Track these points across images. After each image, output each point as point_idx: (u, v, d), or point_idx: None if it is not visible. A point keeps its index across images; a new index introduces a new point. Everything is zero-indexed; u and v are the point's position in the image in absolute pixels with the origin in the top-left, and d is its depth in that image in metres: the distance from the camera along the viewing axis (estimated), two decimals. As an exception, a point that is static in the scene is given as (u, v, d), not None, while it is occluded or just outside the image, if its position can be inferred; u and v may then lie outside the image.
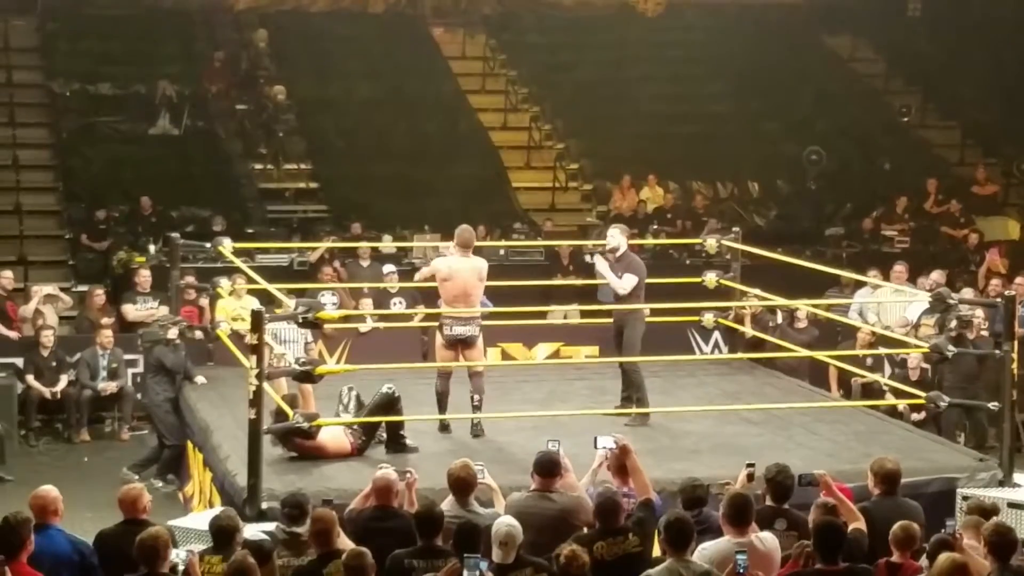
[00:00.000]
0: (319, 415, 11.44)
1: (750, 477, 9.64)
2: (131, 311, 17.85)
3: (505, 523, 8.18)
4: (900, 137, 26.21)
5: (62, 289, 18.64)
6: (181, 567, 7.96)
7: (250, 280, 15.00)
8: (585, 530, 8.88)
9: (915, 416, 15.03)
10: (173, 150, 22.91)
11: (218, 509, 9.67)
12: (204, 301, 17.01)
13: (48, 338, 16.89)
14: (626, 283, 13.11)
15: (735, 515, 8.35)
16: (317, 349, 16.23)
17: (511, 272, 17.74)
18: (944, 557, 7.43)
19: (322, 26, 25.38)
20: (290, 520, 8.87)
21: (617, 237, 13.44)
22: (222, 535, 8.40)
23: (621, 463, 9.55)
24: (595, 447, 9.79)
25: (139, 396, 16.40)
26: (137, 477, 13.62)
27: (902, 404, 14.77)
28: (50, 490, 8.71)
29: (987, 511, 8.96)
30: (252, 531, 9.02)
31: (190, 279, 16.26)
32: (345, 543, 8.46)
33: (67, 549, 8.39)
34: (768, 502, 9.22)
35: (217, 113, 24.10)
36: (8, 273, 18.08)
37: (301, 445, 11.60)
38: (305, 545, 8.54)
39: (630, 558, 8.52)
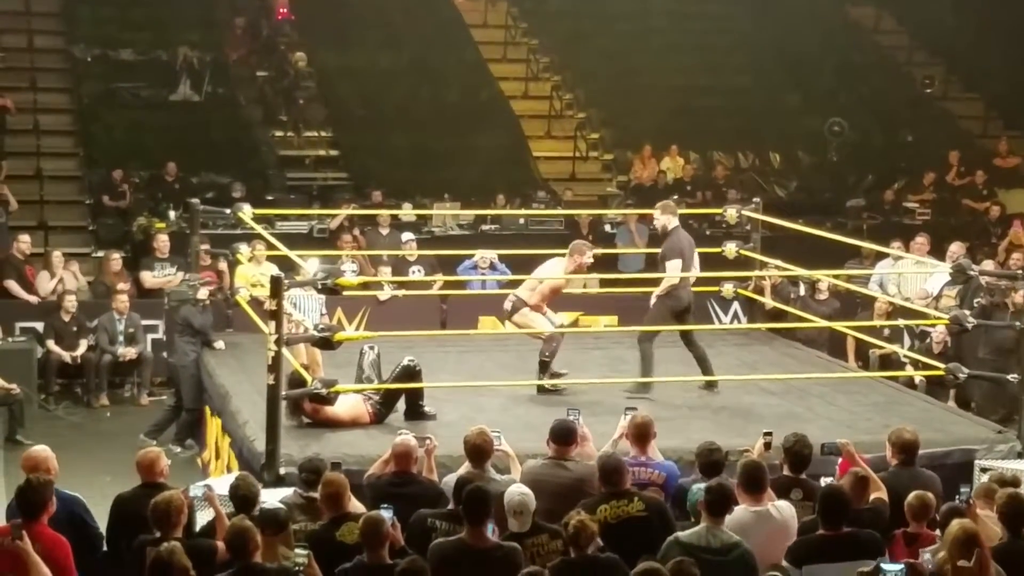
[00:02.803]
0: (337, 381, 11.44)
1: (767, 446, 9.63)
2: (148, 278, 17.89)
3: (517, 492, 8.20)
4: (923, 109, 26.11)
5: (82, 255, 18.71)
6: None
7: (270, 246, 15.01)
8: (597, 496, 8.89)
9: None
10: (194, 116, 22.91)
11: (236, 475, 9.68)
12: (223, 265, 17.02)
13: (71, 303, 16.94)
14: (671, 271, 13.15)
15: (749, 482, 8.34)
16: (336, 317, 16.23)
17: (530, 241, 17.74)
18: (955, 524, 7.42)
19: (343, -7, 25.35)
20: (307, 485, 8.90)
21: (659, 218, 13.42)
22: (244, 503, 8.41)
23: (641, 433, 9.54)
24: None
25: (165, 355, 16.42)
26: (155, 443, 13.60)
27: (919, 375, 14.73)
28: (41, 450, 8.70)
29: (1008, 484, 8.93)
30: (270, 497, 9.05)
31: (204, 245, 16.26)
32: (357, 506, 8.50)
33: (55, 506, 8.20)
34: (785, 472, 9.22)
35: (238, 80, 24.09)
36: (25, 237, 18.11)
37: (315, 414, 11.59)
38: (322, 510, 8.55)
39: (633, 522, 8.50)
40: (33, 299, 17.43)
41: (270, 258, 15.46)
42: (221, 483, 9.49)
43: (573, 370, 13.59)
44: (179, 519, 7.88)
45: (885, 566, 7.56)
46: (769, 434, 9.66)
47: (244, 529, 7.54)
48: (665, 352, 13.30)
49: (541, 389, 12.81)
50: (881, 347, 15.49)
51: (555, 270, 13.19)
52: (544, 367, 12.87)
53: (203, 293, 14.69)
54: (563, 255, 13.24)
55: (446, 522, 8.31)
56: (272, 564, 7.59)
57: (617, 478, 8.69)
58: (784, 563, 7.94)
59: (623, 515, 8.53)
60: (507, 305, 13.15)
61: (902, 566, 7.46)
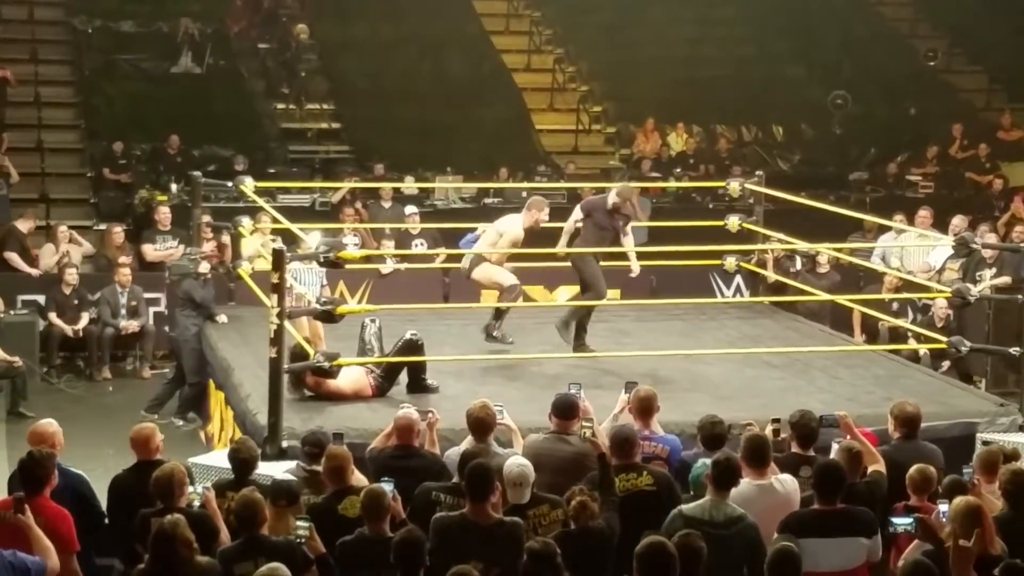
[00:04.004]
0: (339, 355, 11.43)
1: (776, 433, 9.48)
2: (150, 251, 17.87)
3: (516, 464, 8.20)
4: (926, 82, 26.03)
5: (84, 227, 18.68)
6: (197, 503, 7.97)
7: (272, 219, 14.99)
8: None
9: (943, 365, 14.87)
10: (195, 89, 22.86)
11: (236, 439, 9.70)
12: (226, 239, 16.99)
13: (72, 275, 16.93)
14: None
15: (752, 456, 8.33)
16: (339, 290, 16.22)
17: (533, 214, 17.65)
18: (959, 500, 7.41)
19: (345, -36, 25.26)
20: (310, 458, 8.92)
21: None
22: (244, 467, 8.50)
23: (644, 407, 9.53)
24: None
25: (167, 328, 16.42)
26: (155, 417, 13.58)
27: (923, 349, 14.73)
28: (48, 424, 8.67)
29: (1008, 457, 8.94)
30: (275, 470, 9.06)
31: (207, 218, 16.25)
32: (360, 480, 8.51)
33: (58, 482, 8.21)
34: (794, 448, 9.18)
35: (239, 52, 24.02)
36: (31, 222, 18.09)
37: (317, 387, 11.59)
38: (325, 483, 8.56)
39: (641, 496, 8.52)
40: (35, 272, 17.43)
41: (272, 231, 15.44)
42: (222, 456, 9.51)
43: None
44: (181, 491, 7.88)
45: (895, 519, 7.55)
46: (777, 421, 9.59)
47: (252, 501, 7.55)
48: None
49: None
50: (887, 321, 15.47)
51: (513, 225, 13.08)
52: (498, 315, 13.04)
53: (204, 267, 14.69)
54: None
55: (450, 495, 8.31)
56: (280, 536, 7.60)
57: (629, 448, 8.71)
58: (775, 535, 7.92)
59: (632, 488, 8.55)
60: (465, 263, 13.19)
61: (912, 519, 7.46)
